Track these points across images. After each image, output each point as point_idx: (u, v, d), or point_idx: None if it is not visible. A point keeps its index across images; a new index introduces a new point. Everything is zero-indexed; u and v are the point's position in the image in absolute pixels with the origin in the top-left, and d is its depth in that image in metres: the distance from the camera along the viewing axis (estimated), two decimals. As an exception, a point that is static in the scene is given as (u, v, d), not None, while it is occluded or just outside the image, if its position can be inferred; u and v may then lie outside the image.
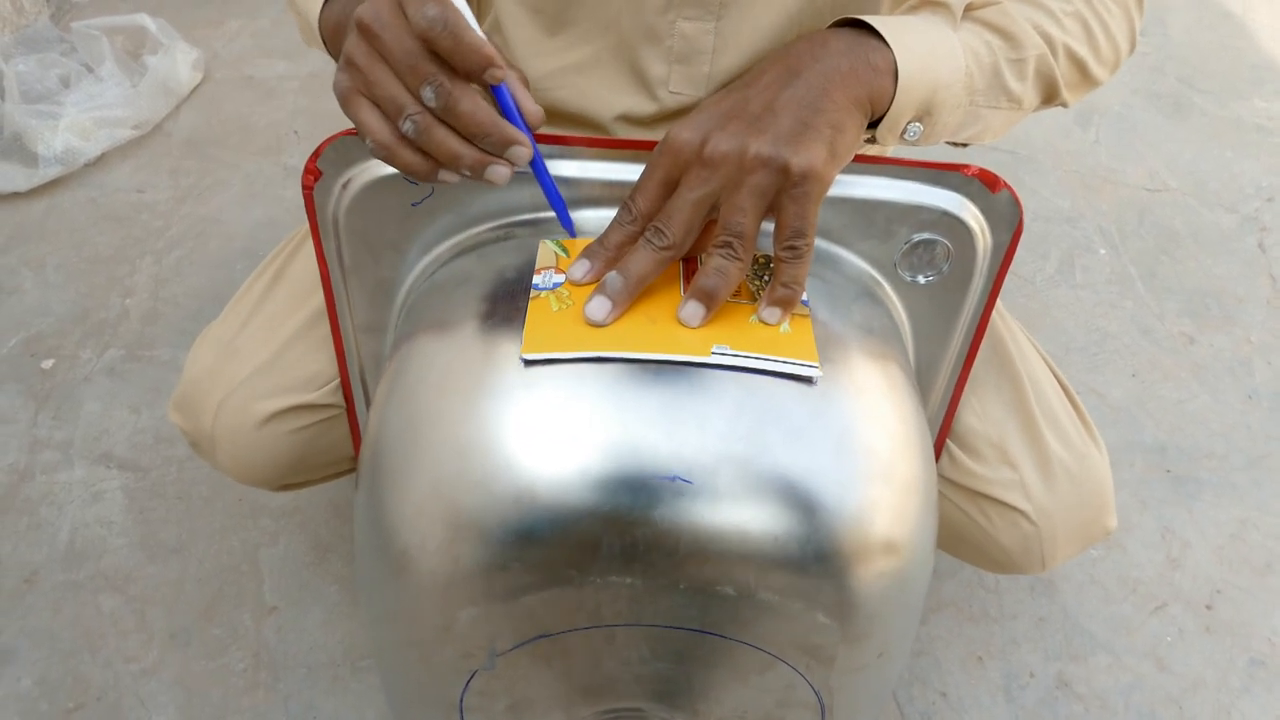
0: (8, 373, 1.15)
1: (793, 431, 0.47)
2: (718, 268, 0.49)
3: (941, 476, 0.70)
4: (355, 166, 0.55)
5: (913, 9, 0.56)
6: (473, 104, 0.46)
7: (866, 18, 0.52)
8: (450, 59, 0.45)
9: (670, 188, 0.50)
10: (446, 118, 0.46)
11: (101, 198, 1.39)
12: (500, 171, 0.48)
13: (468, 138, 0.47)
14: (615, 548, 0.46)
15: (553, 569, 0.47)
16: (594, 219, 0.56)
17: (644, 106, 0.64)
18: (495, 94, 0.49)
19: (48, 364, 1.17)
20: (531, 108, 0.49)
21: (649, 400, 0.47)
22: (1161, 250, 1.39)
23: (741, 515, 0.45)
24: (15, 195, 1.37)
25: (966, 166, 0.55)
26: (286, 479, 0.71)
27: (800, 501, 0.46)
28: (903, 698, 0.92)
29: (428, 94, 0.45)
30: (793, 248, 0.48)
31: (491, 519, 0.46)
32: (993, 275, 0.59)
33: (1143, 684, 0.94)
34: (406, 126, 0.46)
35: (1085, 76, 0.59)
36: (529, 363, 0.48)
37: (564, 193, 0.55)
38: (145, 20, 1.53)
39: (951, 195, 0.55)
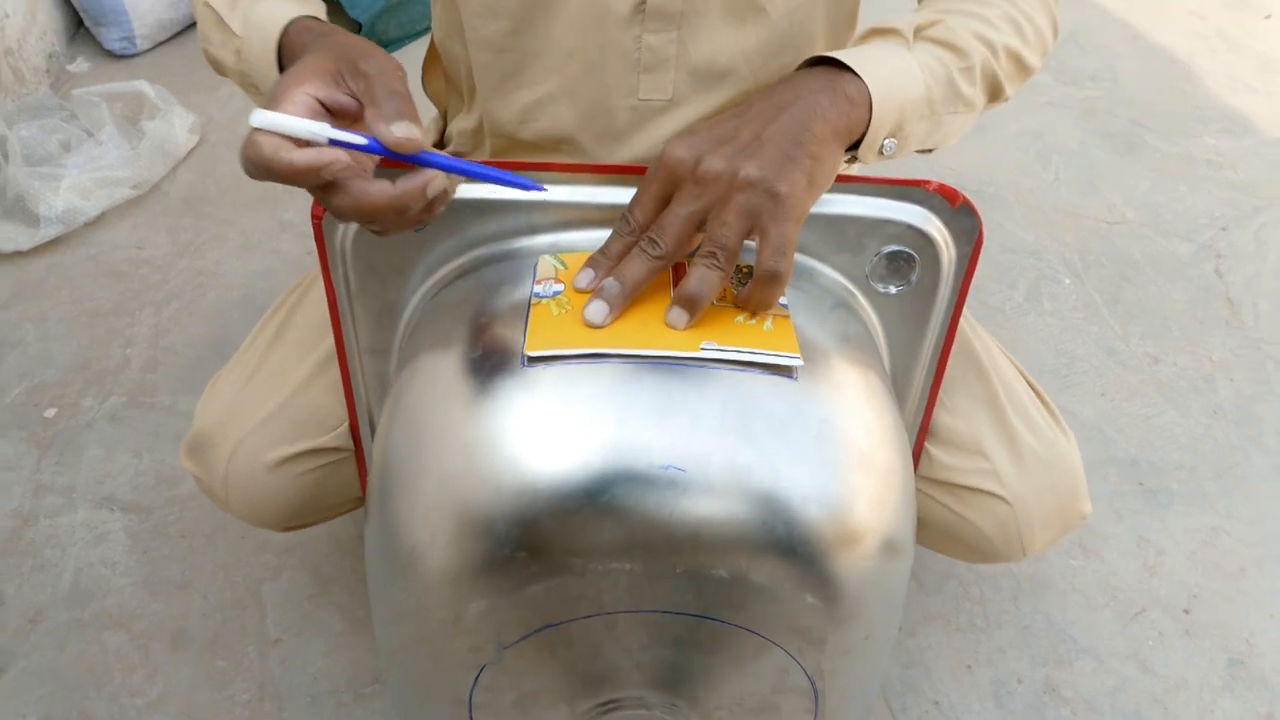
0: (11, 421, 1.18)
1: (776, 423, 0.51)
2: (702, 276, 0.53)
3: (922, 476, 0.74)
4: None
5: (864, 39, 0.62)
6: (372, 211, 0.49)
7: (836, 54, 0.58)
8: (292, 184, 0.48)
9: (664, 201, 0.55)
10: (374, 226, 0.51)
11: (101, 254, 1.43)
12: (440, 205, 0.52)
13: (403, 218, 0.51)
14: (614, 535, 0.49)
15: (555, 558, 0.50)
16: (582, 240, 0.61)
17: (618, 119, 0.68)
18: (371, 151, 0.50)
19: (50, 412, 1.19)
20: (398, 139, 0.49)
21: (642, 396, 0.51)
22: (1123, 278, 1.45)
23: (731, 501, 0.49)
24: (17, 254, 1.41)
25: (928, 182, 0.60)
26: (295, 520, 0.74)
27: (785, 488, 0.49)
28: (896, 707, 0.94)
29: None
30: (773, 266, 0.53)
31: (496, 512, 0.49)
32: (958, 285, 0.63)
33: (1127, 686, 0.97)
34: (373, 231, 0.53)
35: (1022, 67, 0.66)
36: (531, 359, 0.51)
37: (553, 216, 0.60)
38: (144, 87, 1.59)
39: (916, 209, 0.60)
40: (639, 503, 0.48)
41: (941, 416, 0.73)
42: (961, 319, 0.76)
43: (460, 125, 0.77)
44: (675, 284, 0.57)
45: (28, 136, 1.48)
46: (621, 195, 0.59)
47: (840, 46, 0.73)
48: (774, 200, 0.52)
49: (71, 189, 1.43)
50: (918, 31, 0.61)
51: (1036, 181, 1.63)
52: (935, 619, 1.01)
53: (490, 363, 0.53)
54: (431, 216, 0.53)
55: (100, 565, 1.03)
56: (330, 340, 0.69)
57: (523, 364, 0.52)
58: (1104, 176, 1.65)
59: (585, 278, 0.56)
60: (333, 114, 0.50)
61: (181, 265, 1.42)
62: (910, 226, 0.61)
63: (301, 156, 0.46)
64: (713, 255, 0.53)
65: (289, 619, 0.98)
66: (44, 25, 1.77)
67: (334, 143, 0.48)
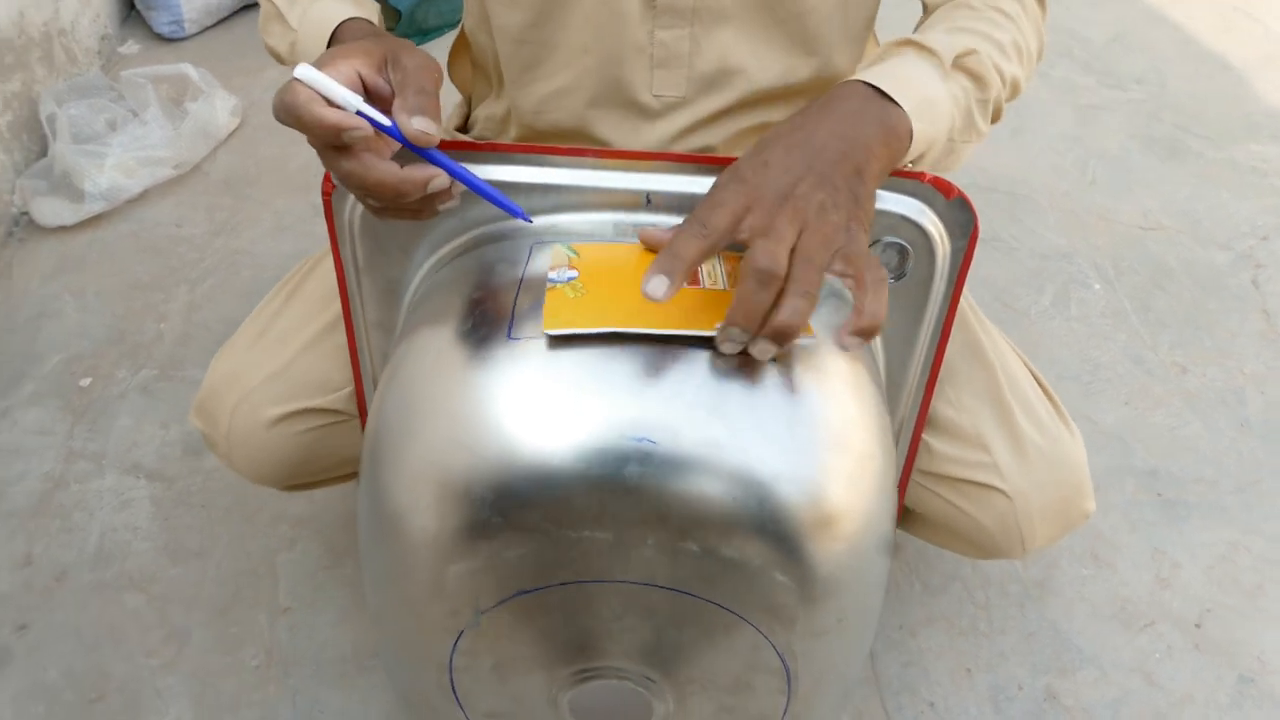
0: (48, 389, 1.22)
1: (751, 402, 0.51)
2: (795, 308, 0.49)
3: (922, 470, 0.74)
4: None
5: (899, 51, 0.61)
6: (377, 184, 0.52)
7: (883, 80, 0.57)
8: (313, 137, 0.52)
9: (741, 216, 0.52)
10: (372, 201, 0.54)
11: (142, 231, 1.48)
12: (446, 203, 0.57)
13: (399, 202, 0.54)
14: (586, 505, 0.50)
15: (529, 525, 0.51)
16: (581, 222, 0.62)
17: (633, 113, 0.70)
18: (391, 135, 0.54)
19: (85, 382, 1.24)
20: (415, 130, 0.52)
21: (622, 371, 0.51)
22: (1155, 285, 1.42)
23: (701, 476, 0.49)
24: (62, 229, 1.46)
25: (921, 174, 0.60)
26: (294, 479, 0.77)
27: (755, 465, 0.50)
28: (891, 706, 0.94)
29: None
30: (874, 276, 0.51)
31: (474, 478, 0.50)
32: (954, 277, 0.63)
33: (1130, 698, 0.96)
34: (369, 207, 0.56)
35: (1016, 94, 0.67)
36: (553, 339, 0.52)
37: (552, 199, 0.61)
38: (188, 69, 1.64)
39: (910, 201, 0.60)
40: (611, 473, 0.49)
41: (944, 409, 0.73)
42: (969, 313, 0.76)
43: (488, 111, 0.78)
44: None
45: (76, 115, 1.53)
46: (621, 180, 0.60)
47: (857, 49, 0.73)
48: (850, 238, 0.52)
49: (116, 167, 1.48)
50: (956, 59, 0.61)
51: (1072, 185, 1.61)
52: (938, 620, 1.01)
53: (478, 336, 0.55)
54: (430, 211, 0.56)
55: (124, 530, 1.06)
56: (335, 307, 0.71)
57: (545, 344, 0.52)
58: (1143, 181, 1.62)
59: (661, 287, 0.50)
60: (370, 95, 0.54)
61: (218, 244, 1.46)
62: (904, 218, 0.61)
63: (330, 114, 0.50)
64: (807, 295, 0.50)
65: (300, 589, 1.01)
66: (98, 8, 1.83)
67: (361, 115, 0.52)
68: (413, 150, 0.54)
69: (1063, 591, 1.04)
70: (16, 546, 1.04)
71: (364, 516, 0.58)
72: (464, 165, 0.58)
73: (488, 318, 0.55)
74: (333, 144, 0.51)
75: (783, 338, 0.50)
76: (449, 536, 0.52)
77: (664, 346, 0.52)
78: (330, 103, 0.51)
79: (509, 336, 0.53)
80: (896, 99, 0.57)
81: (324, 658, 0.95)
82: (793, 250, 0.50)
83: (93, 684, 0.93)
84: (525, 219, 0.59)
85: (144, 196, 1.53)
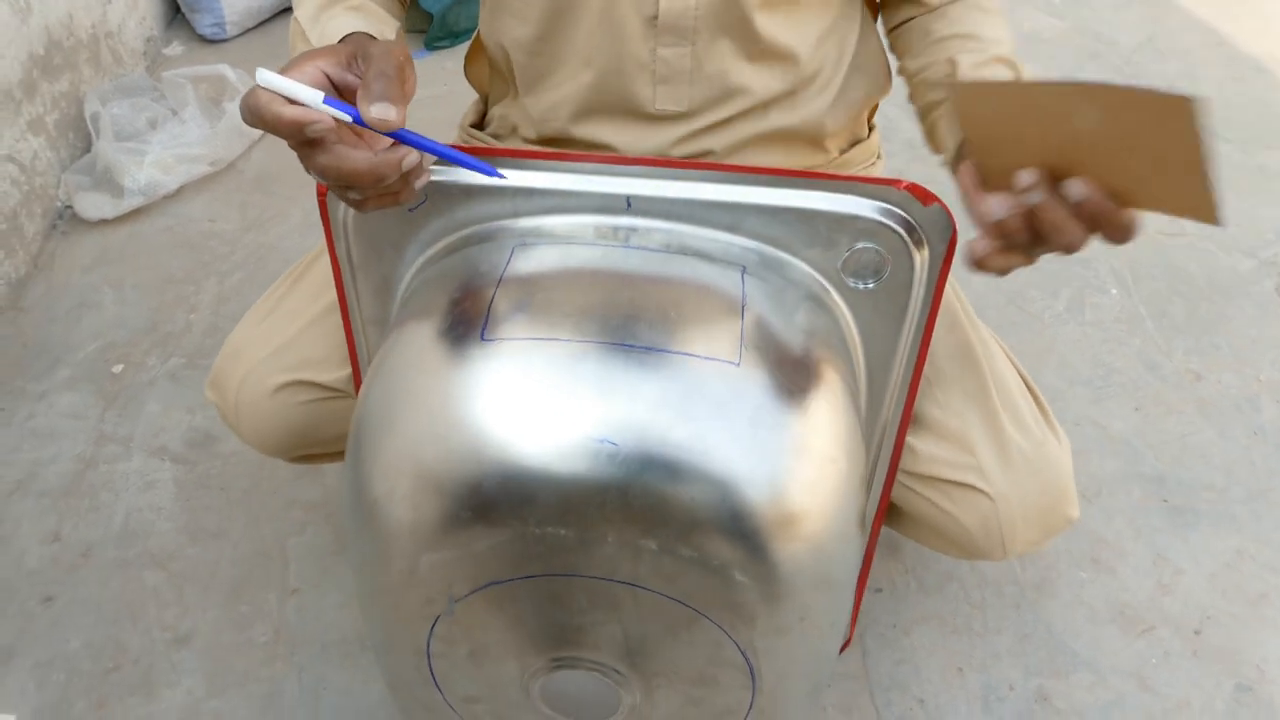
0: (83, 375, 1.28)
1: (713, 404, 0.53)
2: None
3: (907, 471, 0.75)
4: None
5: (989, 63, 0.67)
6: (352, 172, 0.53)
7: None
8: (282, 136, 0.52)
9: None
10: (354, 194, 0.55)
11: (177, 226, 1.54)
12: (420, 179, 0.57)
13: (380, 186, 0.55)
14: (550, 501, 0.52)
15: (497, 519, 0.53)
16: (562, 224, 0.64)
17: (636, 124, 0.72)
18: (356, 123, 0.55)
19: (118, 369, 1.29)
20: (375, 117, 0.53)
21: (588, 373, 0.54)
22: (1174, 292, 1.41)
23: (661, 476, 0.51)
24: (103, 222, 1.53)
25: (899, 181, 0.61)
26: (298, 449, 0.80)
27: (714, 466, 0.52)
28: (880, 702, 0.95)
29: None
30: None
31: (447, 473, 0.53)
32: (933, 282, 0.64)
33: (1124, 702, 0.95)
34: (351, 201, 0.57)
35: None
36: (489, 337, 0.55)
37: (536, 202, 0.63)
38: (226, 70, 1.70)
39: (886, 207, 0.62)
40: (573, 472, 0.51)
41: (931, 409, 0.74)
42: (961, 314, 0.77)
43: (502, 111, 0.81)
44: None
45: (119, 114, 1.60)
46: (602, 185, 0.62)
47: (869, 71, 0.77)
48: None
49: (154, 164, 1.54)
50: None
51: (1094, 189, 1.59)
52: (932, 619, 1.01)
53: (455, 335, 0.57)
54: (411, 191, 0.57)
55: (148, 510, 1.11)
56: (335, 293, 0.74)
57: (518, 345, 0.55)
58: (1168, 186, 1.60)
59: None
60: (340, 91, 0.56)
61: (248, 239, 1.51)
62: (881, 224, 0.62)
63: (289, 111, 0.52)
64: None
65: (309, 572, 1.05)
66: (144, 11, 1.90)
67: (328, 109, 0.53)
68: (380, 134, 0.55)
69: (1060, 594, 1.04)
70: (47, 524, 1.10)
71: (347, 505, 0.61)
72: (431, 139, 0.59)
73: (466, 317, 0.58)
74: (302, 140, 0.53)
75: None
76: (423, 527, 0.54)
77: (630, 349, 0.54)
78: (294, 102, 0.52)
79: (482, 338, 0.55)
80: None
81: (329, 638, 0.99)
82: None
83: (110, 655, 0.98)
84: (498, 175, 0.59)
85: (180, 192, 1.59)
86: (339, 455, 0.86)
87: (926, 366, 0.71)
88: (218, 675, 0.96)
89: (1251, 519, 1.11)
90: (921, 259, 0.63)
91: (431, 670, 0.64)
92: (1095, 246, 0.62)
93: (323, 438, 0.80)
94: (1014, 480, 0.73)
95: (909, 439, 0.74)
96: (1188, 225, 1.52)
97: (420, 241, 0.67)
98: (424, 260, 0.68)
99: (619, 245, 0.62)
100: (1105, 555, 1.07)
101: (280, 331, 0.77)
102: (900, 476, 0.76)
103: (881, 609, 1.02)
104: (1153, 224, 1.52)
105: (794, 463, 0.54)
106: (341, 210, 0.66)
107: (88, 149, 1.63)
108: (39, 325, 1.37)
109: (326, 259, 0.81)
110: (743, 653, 0.58)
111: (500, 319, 0.57)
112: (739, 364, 0.55)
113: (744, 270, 0.62)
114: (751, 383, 0.55)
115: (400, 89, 0.55)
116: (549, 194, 0.63)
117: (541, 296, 0.58)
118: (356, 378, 0.76)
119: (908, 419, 0.72)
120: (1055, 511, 0.75)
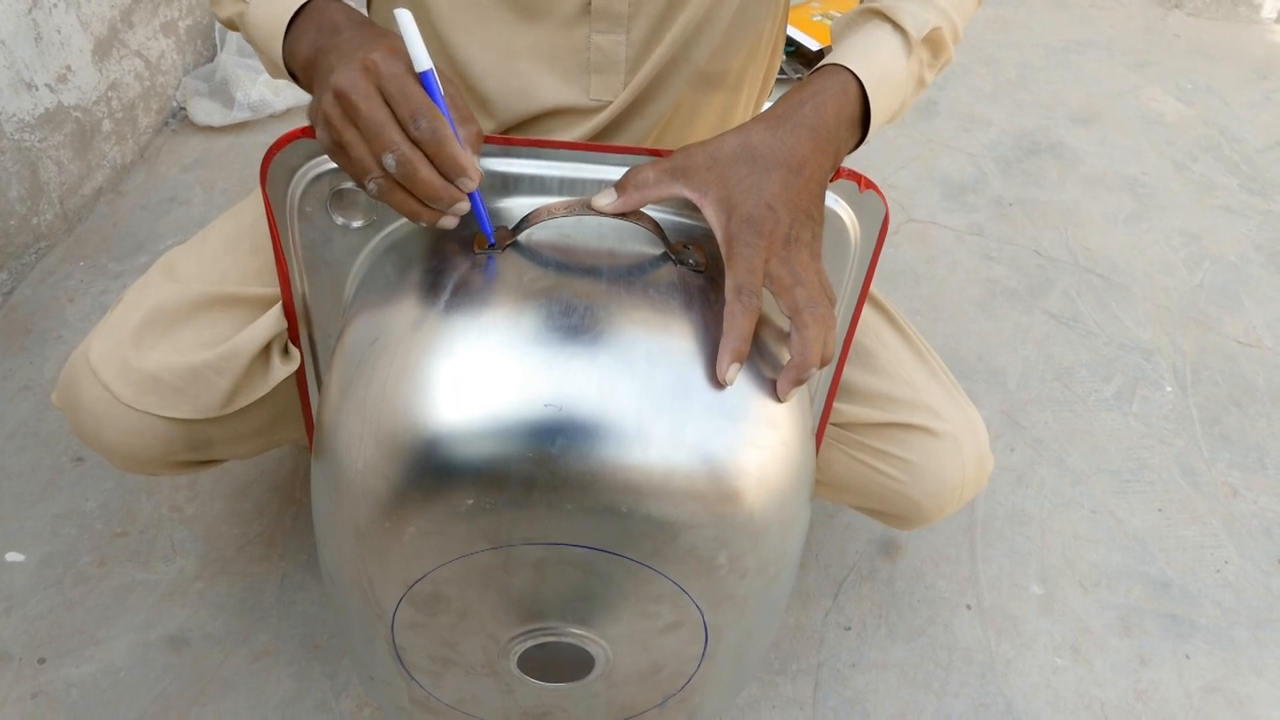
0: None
1: (664, 369, 0.55)
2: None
3: (839, 425, 0.79)
4: (312, 160, 0.62)
5: (870, 19, 0.64)
6: (429, 173, 0.53)
7: (861, 74, 0.60)
8: (433, 162, 0.53)
9: (764, 269, 0.57)
10: (404, 183, 0.54)
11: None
12: (449, 222, 0.57)
13: (421, 198, 0.55)
14: (503, 470, 0.53)
15: (451, 491, 0.54)
16: (520, 206, 0.64)
17: (568, 117, 0.70)
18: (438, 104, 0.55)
19: (190, 265, 1.37)
20: (470, 182, 0.55)
21: (540, 341, 0.55)
22: (1233, 402, 1.36)
23: (614, 441, 0.53)
24: (210, 128, 1.62)
25: (837, 170, 0.63)
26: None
27: (666, 429, 0.53)
28: (820, 735, 0.95)
29: (389, 161, 0.53)
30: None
31: (399, 445, 0.54)
32: (865, 262, 0.67)
33: (1066, 795, 0.93)
34: (371, 187, 0.54)
35: (957, 40, 0.67)
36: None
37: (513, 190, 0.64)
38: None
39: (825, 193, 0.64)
40: (523, 440, 0.52)
41: (867, 342, 0.79)
42: (890, 309, 0.83)
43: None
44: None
45: (246, 31, 1.69)
46: (569, 170, 0.63)
47: (767, 60, 0.77)
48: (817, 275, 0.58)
49: (266, 84, 1.63)
50: (925, 38, 0.63)
51: (1176, 282, 1.54)
52: (893, 667, 1.01)
53: (414, 309, 0.58)
54: (429, 216, 0.57)
55: (185, 398, 1.19)
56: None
57: (472, 317, 0.55)
58: (1256, 295, 1.54)
59: (736, 370, 0.55)
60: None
61: (336, 169, 1.59)
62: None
63: (465, 158, 0.54)
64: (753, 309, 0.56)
65: (314, 487, 1.10)
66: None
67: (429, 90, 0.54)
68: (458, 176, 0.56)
69: (1030, 674, 1.02)
70: (95, 391, 1.18)
71: (314, 479, 0.61)
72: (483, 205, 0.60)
73: (424, 293, 0.58)
74: (410, 135, 0.53)
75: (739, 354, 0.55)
76: (390, 500, 0.55)
77: (582, 315, 0.56)
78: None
79: (443, 309, 0.56)
80: (870, 93, 0.60)
81: (315, 554, 1.04)
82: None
83: (120, 521, 1.05)
84: (490, 240, 0.60)
85: (286, 114, 1.67)
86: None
87: (869, 340, 0.78)
88: (209, 559, 1.03)
89: (1253, 646, 1.07)
90: (854, 240, 0.66)
91: (401, 662, 0.65)
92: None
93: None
94: (964, 422, 0.78)
95: (857, 390, 0.78)
96: (1266, 337, 1.46)
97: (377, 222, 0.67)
98: (380, 238, 0.66)
99: (574, 219, 0.63)
100: (1086, 646, 1.05)
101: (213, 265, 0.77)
102: (836, 433, 0.79)
103: (846, 647, 1.02)
104: (1227, 329, 1.47)
105: (743, 427, 0.55)
106: (290, 191, 0.63)
107: (211, 58, 1.73)
108: (132, 211, 1.46)
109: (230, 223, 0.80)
110: (698, 608, 0.60)
111: (460, 289, 0.58)
112: (683, 330, 0.56)
113: (688, 243, 0.63)
114: (695, 346, 0.56)
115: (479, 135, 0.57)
116: (516, 180, 0.64)
117: (495, 269, 0.59)
118: (301, 368, 0.75)
119: (835, 388, 0.76)
120: (983, 467, 0.80)
